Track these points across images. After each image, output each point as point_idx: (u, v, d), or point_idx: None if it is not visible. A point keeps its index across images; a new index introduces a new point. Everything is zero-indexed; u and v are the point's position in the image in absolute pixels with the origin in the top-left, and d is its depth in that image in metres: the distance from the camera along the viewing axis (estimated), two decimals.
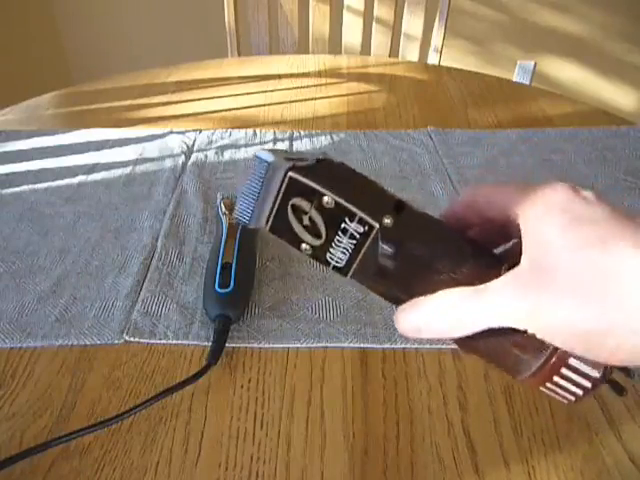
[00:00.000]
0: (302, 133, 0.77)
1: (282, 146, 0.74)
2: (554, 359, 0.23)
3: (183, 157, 0.71)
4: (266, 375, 0.43)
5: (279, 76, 0.95)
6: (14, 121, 0.81)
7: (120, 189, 0.65)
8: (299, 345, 0.45)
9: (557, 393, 0.24)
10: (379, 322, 0.47)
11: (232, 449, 0.38)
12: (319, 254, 0.26)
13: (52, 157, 0.71)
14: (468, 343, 0.25)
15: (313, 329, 0.46)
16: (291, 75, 0.96)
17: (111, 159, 0.71)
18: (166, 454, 0.37)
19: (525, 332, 0.23)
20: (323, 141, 0.76)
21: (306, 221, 0.25)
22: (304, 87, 0.92)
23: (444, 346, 0.45)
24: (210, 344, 0.44)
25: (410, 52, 1.18)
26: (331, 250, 0.26)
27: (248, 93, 0.90)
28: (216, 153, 0.72)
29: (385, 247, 0.25)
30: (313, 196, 0.25)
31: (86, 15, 2.05)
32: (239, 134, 0.77)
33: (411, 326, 0.25)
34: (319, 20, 1.19)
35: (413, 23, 1.16)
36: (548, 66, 2.08)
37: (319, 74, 0.97)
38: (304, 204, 0.25)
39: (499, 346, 0.24)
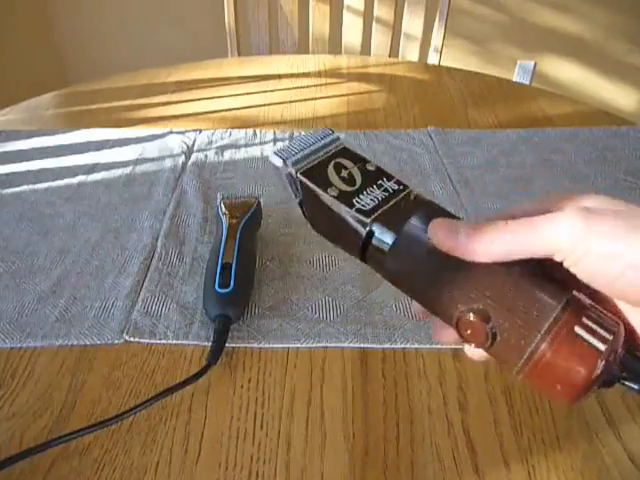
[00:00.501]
0: (302, 133, 0.77)
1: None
2: (575, 303, 0.22)
3: (183, 157, 0.71)
4: (266, 375, 0.43)
5: (279, 76, 0.95)
6: (14, 121, 0.81)
7: (120, 189, 0.65)
8: (299, 345, 0.45)
9: (585, 341, 0.22)
10: (379, 322, 0.47)
11: (232, 449, 0.38)
12: (346, 197, 0.26)
13: (52, 157, 0.71)
14: (494, 279, 0.23)
15: (313, 329, 0.46)
16: (291, 75, 0.96)
17: (111, 159, 0.71)
18: (166, 454, 0.37)
19: (560, 269, 0.22)
20: None
21: (344, 174, 0.27)
22: (304, 87, 0.92)
23: (444, 346, 0.45)
24: (210, 344, 0.44)
25: (410, 52, 1.18)
26: (360, 196, 0.26)
27: (248, 93, 0.90)
28: (216, 153, 0.72)
29: (413, 209, 0.26)
30: (359, 161, 0.28)
31: (85, 15, 2.05)
32: (239, 134, 0.77)
33: (450, 231, 0.24)
34: (319, 20, 1.19)
35: (413, 23, 1.16)
36: (548, 66, 2.08)
37: (319, 74, 0.97)
38: (347, 163, 0.28)
39: (528, 278, 0.23)
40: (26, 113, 0.84)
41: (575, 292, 0.23)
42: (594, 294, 0.23)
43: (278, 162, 0.27)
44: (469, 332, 0.24)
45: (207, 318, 0.46)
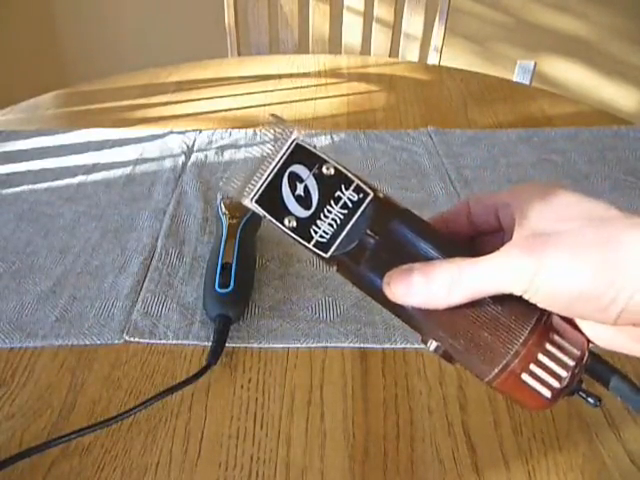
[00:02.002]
0: (302, 133, 0.77)
1: None
2: (536, 334, 0.23)
3: (183, 157, 0.71)
4: (266, 375, 0.43)
5: (279, 76, 0.95)
6: (14, 121, 0.81)
7: (120, 189, 0.65)
8: (299, 345, 0.45)
9: (537, 379, 0.23)
10: (379, 322, 0.47)
11: (232, 449, 0.38)
12: (303, 228, 0.25)
13: (52, 157, 0.71)
14: (452, 320, 0.24)
15: (313, 329, 0.46)
16: (291, 75, 0.96)
17: (111, 159, 0.71)
18: (166, 454, 0.37)
19: (517, 300, 0.23)
20: (323, 141, 0.76)
21: (299, 190, 0.25)
22: (304, 87, 0.92)
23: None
24: (210, 344, 0.44)
25: (410, 52, 1.18)
26: (318, 222, 0.25)
27: (248, 93, 0.90)
28: (216, 153, 0.72)
29: (373, 222, 0.25)
30: (314, 164, 0.25)
31: (86, 15, 2.05)
32: (239, 134, 0.77)
33: (405, 286, 0.24)
34: (319, 20, 1.19)
35: (413, 23, 1.16)
36: (548, 66, 2.08)
37: (319, 74, 0.97)
38: (303, 171, 0.25)
39: (485, 318, 0.23)
40: (26, 113, 0.84)
41: (544, 315, 0.23)
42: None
43: (231, 192, 0.26)
44: (430, 350, 0.25)
45: (207, 318, 0.46)
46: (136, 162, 0.70)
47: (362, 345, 0.45)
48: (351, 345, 0.45)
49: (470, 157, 0.72)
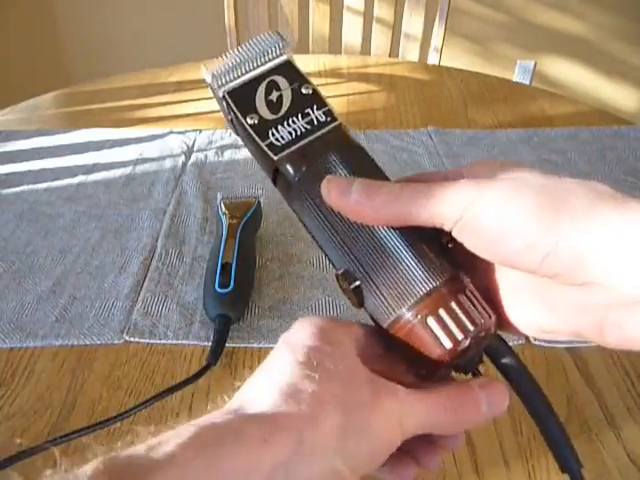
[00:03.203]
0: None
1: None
2: (447, 287, 0.22)
3: (183, 157, 0.71)
4: None
5: None
6: (14, 121, 0.81)
7: (120, 189, 0.65)
8: None
9: (433, 333, 0.22)
10: None
11: None
12: (263, 128, 0.25)
13: (52, 157, 0.71)
14: (376, 245, 0.23)
15: None
16: None
17: (111, 159, 0.71)
18: None
19: (448, 241, 0.22)
20: None
21: (273, 97, 0.25)
22: None
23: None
24: (210, 344, 0.44)
25: (410, 52, 1.18)
26: (279, 127, 0.25)
27: None
28: (216, 153, 0.72)
29: (329, 144, 0.25)
30: (295, 80, 0.25)
31: (86, 15, 2.05)
32: None
33: (345, 185, 0.23)
34: (319, 20, 1.19)
35: (413, 23, 1.16)
36: (548, 66, 2.08)
37: (319, 74, 0.97)
38: (283, 83, 0.25)
39: (408, 254, 0.22)
40: (26, 113, 0.84)
41: (458, 274, 0.23)
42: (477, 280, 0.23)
43: (207, 78, 0.25)
44: (344, 288, 0.25)
45: (207, 318, 0.46)
46: (136, 162, 0.70)
47: None
48: None
49: (470, 157, 0.72)
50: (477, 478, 0.36)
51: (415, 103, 0.87)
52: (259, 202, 0.56)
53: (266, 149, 0.24)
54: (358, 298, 0.24)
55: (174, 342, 0.45)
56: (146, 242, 0.56)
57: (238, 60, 0.25)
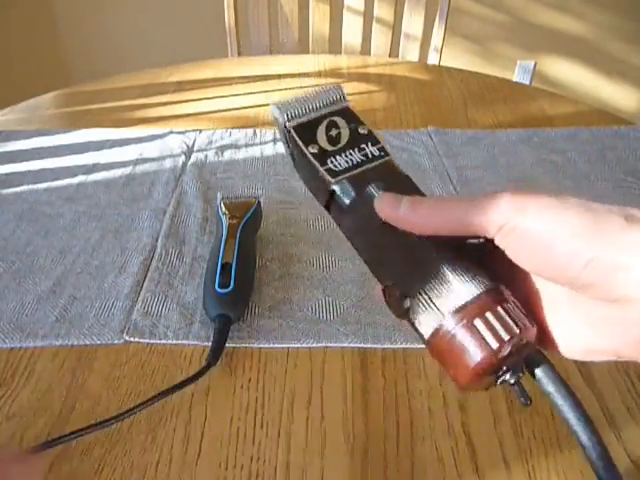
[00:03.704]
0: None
1: (282, 146, 0.74)
2: (498, 292, 0.23)
3: (183, 157, 0.71)
4: (266, 375, 0.43)
5: (279, 76, 0.95)
6: (14, 121, 0.81)
7: (120, 189, 0.65)
8: (299, 345, 0.45)
9: (467, 341, 0.22)
10: (379, 322, 0.47)
11: (232, 449, 0.38)
12: (322, 156, 0.28)
13: (52, 157, 0.71)
14: (420, 255, 0.25)
15: (313, 329, 0.46)
16: (291, 75, 0.96)
17: (111, 159, 0.71)
18: (166, 454, 0.37)
19: (490, 250, 0.23)
20: None
21: (332, 133, 0.29)
22: (304, 87, 0.92)
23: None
24: (210, 344, 0.44)
25: (410, 52, 1.18)
26: (336, 157, 0.28)
27: (248, 93, 0.90)
28: (216, 153, 0.72)
29: (382, 175, 0.27)
30: (353, 122, 0.29)
31: (86, 15, 2.05)
32: (239, 134, 0.77)
33: (394, 200, 0.25)
34: (319, 20, 1.19)
35: (413, 23, 1.16)
36: (548, 66, 2.08)
37: (319, 74, 0.97)
38: (342, 123, 0.29)
39: (450, 264, 0.24)
40: (26, 113, 0.84)
41: (499, 285, 0.23)
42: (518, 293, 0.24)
43: (276, 113, 0.29)
44: (388, 300, 0.26)
45: (207, 318, 0.46)
46: (136, 162, 0.70)
47: (362, 345, 0.45)
48: (351, 345, 0.45)
49: (470, 157, 0.72)
50: (477, 478, 0.36)
51: (415, 103, 0.87)
52: (259, 202, 0.56)
53: (324, 173, 0.27)
54: (403, 309, 0.25)
55: (174, 342, 0.45)
56: (146, 242, 0.56)
57: (304, 102, 0.29)
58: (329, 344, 0.45)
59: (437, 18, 1.15)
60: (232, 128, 0.78)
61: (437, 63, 1.17)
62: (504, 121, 0.81)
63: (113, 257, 0.54)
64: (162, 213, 0.61)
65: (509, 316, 0.22)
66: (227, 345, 0.44)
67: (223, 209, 0.55)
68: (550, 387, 0.23)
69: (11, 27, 1.93)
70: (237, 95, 0.89)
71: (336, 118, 0.29)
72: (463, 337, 0.22)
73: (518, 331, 0.22)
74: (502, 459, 0.37)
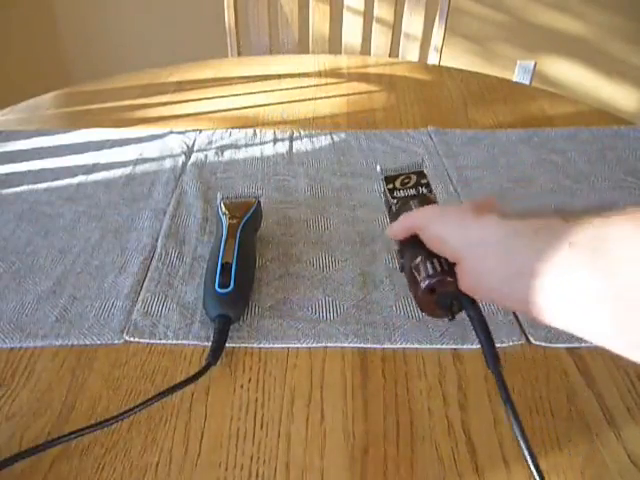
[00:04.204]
0: (302, 133, 0.77)
1: (282, 146, 0.74)
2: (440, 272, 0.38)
3: (183, 157, 0.71)
4: (266, 375, 0.43)
5: (279, 76, 0.96)
6: (14, 121, 0.81)
7: (120, 189, 0.65)
8: (299, 345, 0.45)
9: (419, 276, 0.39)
10: (379, 322, 0.47)
11: (232, 449, 0.38)
12: (393, 191, 0.47)
13: (52, 157, 0.71)
14: (411, 250, 0.41)
15: (313, 329, 0.46)
16: (291, 75, 0.96)
17: (111, 159, 0.71)
18: (166, 454, 0.37)
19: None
20: (323, 141, 0.76)
21: (405, 180, 0.48)
22: (304, 87, 0.92)
23: (444, 346, 0.45)
24: (210, 344, 0.44)
25: (410, 52, 1.18)
26: (401, 191, 0.47)
27: (248, 93, 0.90)
28: (216, 153, 0.72)
29: (417, 204, 0.45)
30: (421, 177, 0.48)
31: (86, 15, 2.05)
32: (239, 134, 0.77)
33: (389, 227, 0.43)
34: (319, 20, 1.19)
35: (413, 23, 1.16)
36: (548, 66, 2.08)
37: (319, 74, 0.97)
38: (414, 178, 0.48)
39: (422, 255, 0.40)
40: (26, 113, 0.84)
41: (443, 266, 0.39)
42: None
43: (377, 169, 0.49)
44: (399, 264, 0.43)
45: (207, 318, 0.46)
46: (136, 162, 0.70)
47: (362, 345, 0.45)
48: (351, 345, 0.45)
49: (470, 157, 0.72)
50: (477, 478, 0.36)
51: (415, 103, 0.87)
52: (259, 202, 0.56)
53: (389, 197, 0.47)
54: (401, 266, 0.43)
55: (174, 342, 0.45)
56: (146, 242, 0.56)
57: (397, 167, 0.49)
58: (329, 344, 0.45)
59: (437, 18, 1.15)
60: (232, 128, 0.79)
61: (437, 63, 1.17)
62: (504, 121, 0.81)
63: (113, 257, 0.54)
64: (162, 213, 0.61)
65: (435, 270, 0.38)
66: (227, 345, 0.44)
67: (223, 209, 0.55)
68: (470, 311, 0.37)
69: (11, 27, 1.93)
70: (237, 95, 0.89)
71: (411, 175, 0.48)
72: (417, 282, 0.39)
73: (439, 278, 0.38)
74: (502, 459, 0.37)
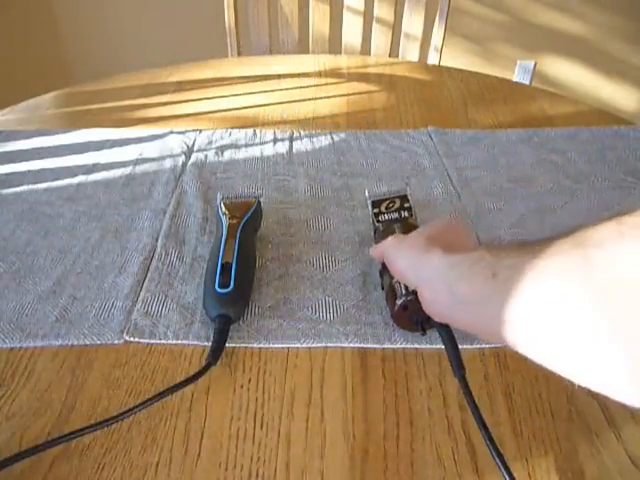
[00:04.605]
0: (302, 133, 0.77)
1: (282, 146, 0.74)
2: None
3: (183, 157, 0.71)
4: (266, 375, 0.43)
5: (279, 76, 0.95)
6: (14, 121, 0.81)
7: (120, 189, 0.65)
8: (299, 345, 0.45)
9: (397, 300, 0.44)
10: (379, 322, 0.47)
11: (232, 449, 0.38)
12: (378, 214, 0.54)
13: (52, 157, 0.71)
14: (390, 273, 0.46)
15: (313, 329, 0.46)
16: (291, 75, 0.96)
17: (111, 159, 0.71)
18: (166, 454, 0.37)
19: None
20: (323, 141, 0.76)
21: (390, 205, 0.55)
22: (304, 87, 0.92)
23: (444, 347, 0.45)
24: (210, 344, 0.44)
25: (410, 52, 1.18)
26: (385, 214, 0.54)
27: (248, 93, 0.90)
28: (216, 153, 0.72)
29: (397, 227, 0.52)
30: (404, 201, 0.55)
31: (86, 15, 2.05)
32: (239, 134, 0.77)
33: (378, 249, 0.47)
34: (319, 20, 1.19)
35: (413, 23, 1.16)
36: (548, 66, 2.08)
37: (319, 74, 0.97)
38: (397, 202, 0.55)
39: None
40: (26, 113, 0.84)
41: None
42: None
43: (366, 194, 0.56)
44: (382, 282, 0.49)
45: (207, 318, 0.46)
46: (136, 162, 0.70)
47: (362, 345, 0.45)
48: (351, 345, 0.45)
49: (470, 157, 0.72)
50: (477, 478, 0.36)
51: (415, 103, 0.87)
52: (259, 202, 0.56)
53: (375, 220, 0.54)
54: (381, 285, 0.49)
55: (174, 342, 0.45)
56: (146, 242, 0.56)
57: (383, 192, 0.56)
58: (329, 344, 0.45)
59: (437, 18, 1.15)
60: (232, 128, 0.79)
61: (437, 63, 1.17)
62: (504, 121, 0.81)
63: (113, 257, 0.54)
64: (162, 213, 0.61)
65: (408, 291, 0.43)
66: (227, 345, 0.44)
67: (223, 209, 0.55)
68: (436, 325, 0.42)
69: (11, 27, 1.93)
70: (237, 95, 0.89)
71: (395, 199, 0.55)
72: (393, 300, 0.45)
73: (411, 297, 0.43)
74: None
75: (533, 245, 0.29)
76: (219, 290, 0.46)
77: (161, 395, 0.40)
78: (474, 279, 0.33)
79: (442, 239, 0.41)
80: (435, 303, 0.38)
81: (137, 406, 0.39)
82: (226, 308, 0.45)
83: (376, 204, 0.55)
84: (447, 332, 0.41)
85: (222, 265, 0.47)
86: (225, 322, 0.45)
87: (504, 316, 0.30)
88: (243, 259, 0.49)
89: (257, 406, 0.41)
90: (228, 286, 0.46)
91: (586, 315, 0.25)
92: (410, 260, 0.41)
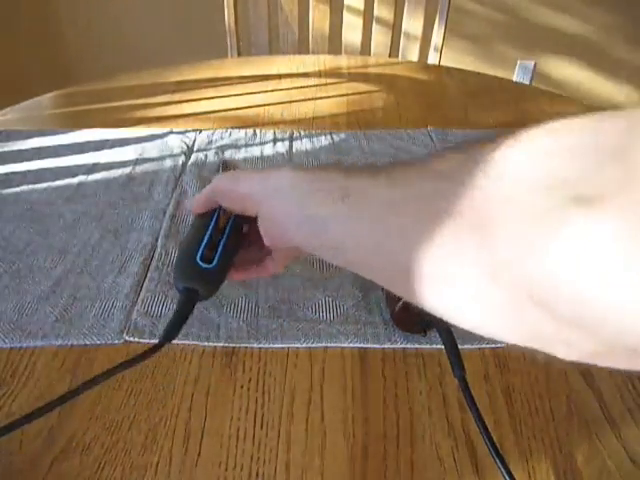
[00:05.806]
0: (302, 133, 0.77)
1: (282, 146, 0.74)
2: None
3: (183, 157, 0.71)
4: (266, 375, 0.43)
5: (279, 76, 0.96)
6: (14, 121, 0.81)
7: (120, 189, 0.65)
8: (299, 345, 0.45)
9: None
10: (379, 322, 0.47)
11: (232, 449, 0.38)
12: None
13: (52, 157, 0.71)
14: None
15: (313, 329, 0.46)
16: (291, 75, 0.96)
17: (111, 159, 0.71)
18: (166, 454, 0.37)
19: None
20: (323, 141, 0.76)
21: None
22: (304, 87, 0.92)
23: (444, 347, 0.45)
24: (208, 343, 0.43)
25: (410, 52, 1.18)
26: None
27: (248, 93, 0.90)
28: (216, 153, 0.72)
29: None
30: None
31: (86, 15, 2.05)
32: (239, 134, 0.77)
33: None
34: (319, 20, 1.19)
35: (413, 23, 1.16)
36: (548, 66, 2.08)
37: (319, 74, 0.97)
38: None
39: None
40: (26, 113, 0.84)
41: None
42: None
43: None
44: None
45: (207, 318, 0.46)
46: (136, 162, 0.70)
47: (362, 345, 0.45)
48: (351, 345, 0.45)
49: None
50: (477, 478, 0.36)
51: (415, 103, 0.87)
52: None
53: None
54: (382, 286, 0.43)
55: (174, 342, 0.45)
56: (146, 242, 0.56)
57: None
58: (329, 344, 0.45)
59: (437, 18, 1.15)
60: (232, 128, 0.79)
61: (437, 63, 1.17)
62: (504, 121, 0.81)
63: (113, 257, 0.54)
64: (162, 213, 0.61)
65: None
66: (227, 345, 0.44)
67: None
68: (437, 325, 0.42)
69: (12, 27, 1.93)
70: (237, 95, 0.89)
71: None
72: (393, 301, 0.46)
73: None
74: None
75: (387, 170, 0.29)
76: (200, 263, 0.39)
77: (107, 374, 0.36)
78: (324, 198, 0.32)
79: None
80: (282, 216, 0.35)
81: (85, 383, 0.35)
82: (202, 285, 0.39)
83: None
84: (447, 332, 0.41)
85: (210, 237, 0.41)
86: (193, 298, 0.39)
87: (351, 242, 0.30)
88: (232, 242, 0.42)
89: (257, 406, 0.41)
90: (211, 262, 0.40)
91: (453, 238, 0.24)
92: (257, 175, 0.38)
